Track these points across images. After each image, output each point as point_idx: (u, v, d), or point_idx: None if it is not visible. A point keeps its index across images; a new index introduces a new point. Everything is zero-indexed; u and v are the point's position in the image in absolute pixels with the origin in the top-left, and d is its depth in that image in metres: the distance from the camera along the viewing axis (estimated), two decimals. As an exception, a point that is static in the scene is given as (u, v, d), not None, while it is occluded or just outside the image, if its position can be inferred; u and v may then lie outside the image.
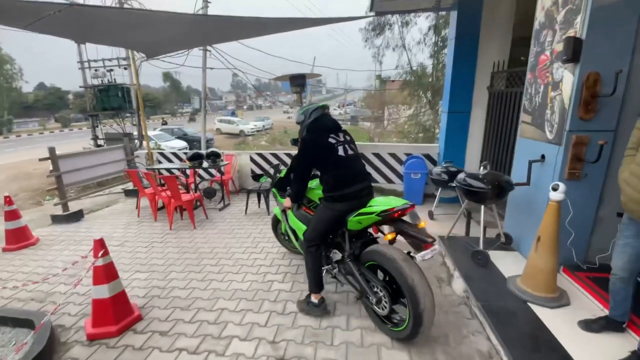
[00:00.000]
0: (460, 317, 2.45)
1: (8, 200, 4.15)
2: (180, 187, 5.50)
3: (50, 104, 42.47)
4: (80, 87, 14.34)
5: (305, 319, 2.48)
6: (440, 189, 4.69)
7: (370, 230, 2.43)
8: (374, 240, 2.44)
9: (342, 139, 2.43)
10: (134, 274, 3.33)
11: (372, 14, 6.41)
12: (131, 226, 4.80)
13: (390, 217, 2.15)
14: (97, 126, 14.40)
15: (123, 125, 13.49)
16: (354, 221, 2.26)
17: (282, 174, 3.03)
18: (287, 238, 3.39)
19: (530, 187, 2.90)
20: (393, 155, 5.84)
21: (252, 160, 6.44)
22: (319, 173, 2.47)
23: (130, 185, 6.55)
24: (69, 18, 3.22)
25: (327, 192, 2.37)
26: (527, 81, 3.07)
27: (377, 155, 5.90)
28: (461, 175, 3.17)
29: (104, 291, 2.36)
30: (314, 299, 2.52)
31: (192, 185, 5.55)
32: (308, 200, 2.79)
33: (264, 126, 30.62)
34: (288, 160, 6.28)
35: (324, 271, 2.55)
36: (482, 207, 3.06)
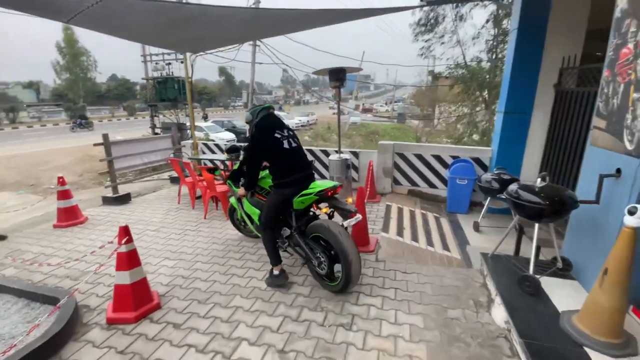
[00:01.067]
0: (498, 353, 2.10)
1: (61, 181, 4.52)
2: (219, 178, 5.65)
3: (119, 94, 47.06)
4: (142, 79, 15.60)
5: (318, 330, 2.32)
6: (489, 198, 4.22)
7: (313, 209, 2.91)
8: (316, 217, 2.91)
9: (286, 134, 2.80)
10: (163, 261, 3.43)
11: (424, 3, 5.95)
12: (170, 212, 5.01)
13: (325, 196, 2.69)
14: (156, 116, 15.56)
15: (177, 115, 14.42)
16: (297, 201, 2.73)
17: (236, 167, 3.36)
18: (243, 224, 3.80)
19: (599, 206, 2.40)
20: (437, 158, 5.39)
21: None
22: (268, 164, 2.90)
23: (175, 173, 6.90)
24: (109, 13, 3.32)
25: (276, 180, 2.79)
26: (603, 79, 2.54)
27: (419, 156, 5.50)
28: (513, 186, 2.75)
29: (125, 277, 2.42)
30: (276, 271, 2.87)
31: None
32: (260, 188, 3.16)
33: (308, 121, 30.86)
34: (323, 157, 6.13)
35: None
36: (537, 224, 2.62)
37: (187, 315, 2.52)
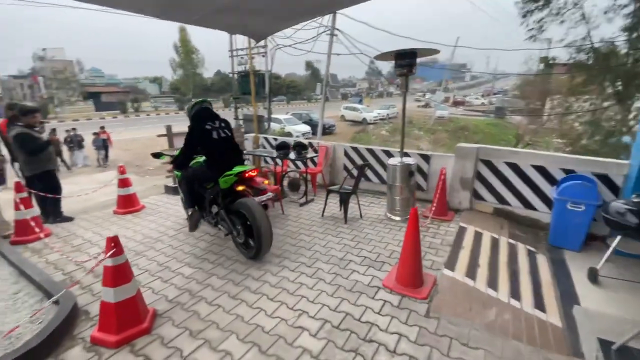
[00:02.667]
0: None
1: (121, 170, 4.70)
2: (270, 175, 5.31)
3: (221, 87, 52.39)
4: (228, 73, 16.65)
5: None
6: (619, 236, 2.89)
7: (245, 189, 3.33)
8: (243, 196, 3.26)
9: (217, 125, 3.35)
10: (182, 267, 3.13)
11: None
12: (216, 208, 4.85)
13: (243, 177, 3.21)
14: (239, 108, 16.46)
15: (255, 108, 15.01)
16: (222, 181, 3.20)
17: (177, 154, 3.49)
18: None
19: None
20: (541, 170, 4.00)
21: (346, 154, 5.67)
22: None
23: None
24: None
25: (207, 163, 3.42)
26: None
27: (513, 166, 4.17)
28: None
29: (109, 295, 2.10)
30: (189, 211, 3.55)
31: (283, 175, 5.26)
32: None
33: (387, 115, 29.22)
34: (384, 157, 5.23)
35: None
36: None
37: (170, 350, 2.09)
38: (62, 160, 11.28)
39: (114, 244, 2.11)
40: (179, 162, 3.45)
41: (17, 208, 3.65)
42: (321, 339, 2.15)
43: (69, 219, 4.41)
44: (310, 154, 4.98)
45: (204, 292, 2.72)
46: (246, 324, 2.32)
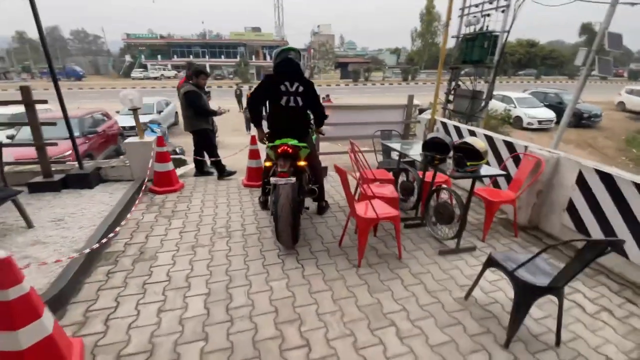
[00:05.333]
0: None
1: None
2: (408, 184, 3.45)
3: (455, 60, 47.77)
4: (452, 37, 13.77)
5: None
6: None
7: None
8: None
9: (293, 89, 2.87)
10: (193, 297, 2.24)
11: None
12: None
13: (278, 152, 2.66)
14: (455, 81, 13.67)
15: (474, 82, 11.75)
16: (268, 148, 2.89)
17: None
18: None
19: None
20: None
21: (581, 182, 2.81)
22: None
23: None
24: None
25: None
26: None
27: None
28: None
29: (12, 341, 1.42)
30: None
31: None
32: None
33: None
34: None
35: None
36: None
37: None
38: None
39: (8, 269, 1.37)
40: (252, 118, 3.14)
41: (156, 160, 3.94)
42: None
43: (232, 173, 4.62)
44: (487, 170, 2.71)
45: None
46: None
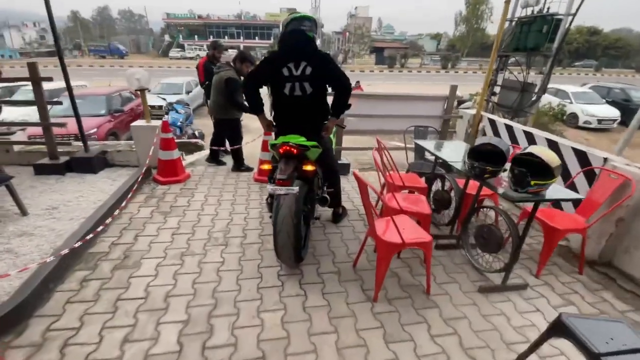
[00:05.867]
0: None
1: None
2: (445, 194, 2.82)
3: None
4: (508, 20, 12.32)
5: None
6: None
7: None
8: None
9: (299, 72, 2.24)
10: (165, 324, 1.84)
11: None
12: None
13: (281, 152, 2.16)
14: (502, 71, 12.30)
15: (525, 71, 10.42)
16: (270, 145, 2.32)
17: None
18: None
19: None
20: None
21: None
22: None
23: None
24: None
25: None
26: None
27: None
28: None
29: None
30: None
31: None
32: None
33: None
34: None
35: None
36: None
37: None
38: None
39: None
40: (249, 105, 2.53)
41: (161, 148, 3.59)
42: None
43: (249, 169, 4.21)
44: (556, 191, 2.04)
45: None
46: None
